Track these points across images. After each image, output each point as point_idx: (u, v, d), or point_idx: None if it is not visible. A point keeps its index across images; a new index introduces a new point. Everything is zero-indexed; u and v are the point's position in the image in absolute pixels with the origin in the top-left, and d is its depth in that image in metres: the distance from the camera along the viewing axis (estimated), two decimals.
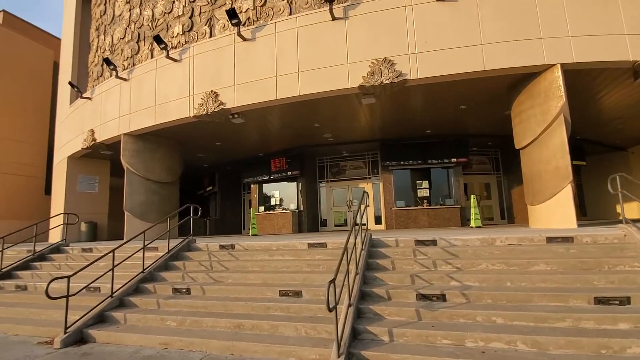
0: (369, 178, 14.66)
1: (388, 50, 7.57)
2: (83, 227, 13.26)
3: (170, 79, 9.77)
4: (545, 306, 4.01)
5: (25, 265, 7.57)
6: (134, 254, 6.18)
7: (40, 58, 18.45)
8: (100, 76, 12.85)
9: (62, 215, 10.28)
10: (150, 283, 5.78)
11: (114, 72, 10.79)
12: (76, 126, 12.90)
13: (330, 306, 3.35)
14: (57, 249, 8.37)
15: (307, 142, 13.15)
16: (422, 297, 4.28)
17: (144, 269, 5.94)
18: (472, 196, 10.60)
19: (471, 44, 7.36)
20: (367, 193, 6.63)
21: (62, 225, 13.34)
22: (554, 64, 7.25)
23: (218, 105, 8.77)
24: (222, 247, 6.71)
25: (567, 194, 7.31)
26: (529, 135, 8.03)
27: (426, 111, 10.12)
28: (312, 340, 3.90)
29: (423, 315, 3.96)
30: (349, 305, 4.06)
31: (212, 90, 8.92)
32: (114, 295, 5.32)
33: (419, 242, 5.57)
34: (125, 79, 10.81)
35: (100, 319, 5.00)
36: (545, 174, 7.71)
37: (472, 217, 10.38)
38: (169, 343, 4.27)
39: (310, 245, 6.13)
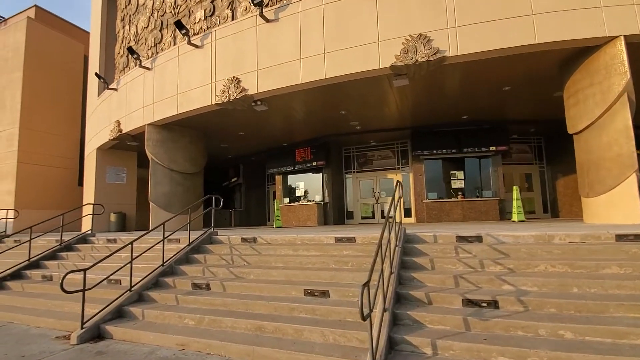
0: (398, 168, 13.92)
1: (424, 25, 6.82)
2: (112, 217, 13.48)
3: (192, 67, 9.49)
4: (623, 318, 3.30)
5: (52, 255, 7.60)
6: (154, 245, 5.94)
7: (71, 52, 18.90)
8: (126, 67, 12.84)
9: (89, 205, 10.34)
10: (170, 277, 5.52)
11: (137, 62, 10.66)
12: (104, 118, 13.02)
13: (364, 313, 2.84)
14: (83, 239, 8.37)
15: (332, 131, 12.59)
16: (469, 302, 3.68)
17: (163, 262, 5.68)
18: (514, 187, 9.67)
19: (520, 14, 6.48)
20: (400, 183, 5.99)
21: (93, 216, 13.72)
22: (617, 36, 6.26)
23: (240, 92, 8.38)
24: (244, 240, 6.35)
25: (631, 185, 6.35)
26: (586, 118, 7.05)
27: (463, 94, 9.25)
28: (341, 349, 3.42)
29: (472, 325, 3.37)
30: (384, 310, 3.53)
31: (234, 77, 8.54)
32: (132, 289, 5.08)
33: (461, 239, 4.92)
34: (148, 68, 10.67)
35: (119, 314, 4.77)
36: (605, 162, 6.75)
37: (515, 210, 9.47)
38: (186, 344, 3.94)
39: (338, 240, 5.63)
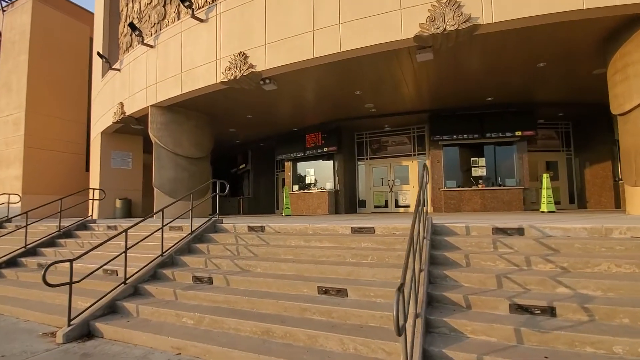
0: (414, 155, 13.17)
1: None
2: (117, 203, 13.14)
3: (197, 43, 8.84)
4: None
5: (50, 242, 7.20)
6: (154, 233, 5.44)
7: (77, 34, 18.40)
8: (130, 47, 12.23)
9: (90, 190, 9.90)
10: (169, 268, 5.02)
11: (140, 39, 10.06)
12: (107, 100, 12.53)
13: (400, 324, 2.24)
14: (83, 225, 7.97)
15: (345, 115, 11.87)
16: (518, 308, 3.05)
17: (163, 252, 5.18)
18: (544, 175, 8.88)
19: None
20: (427, 167, 5.32)
21: (94, 201, 13.42)
22: None
23: (247, 69, 7.72)
24: (250, 229, 5.81)
25: None
26: (637, 95, 6.21)
27: (492, 72, 8.40)
28: None
29: (526, 338, 2.75)
30: (416, 315, 2.94)
31: (240, 52, 7.87)
32: (127, 281, 4.59)
33: (499, 231, 4.26)
34: (151, 46, 10.06)
35: (111, 309, 4.29)
36: None
37: (545, 200, 8.71)
38: (182, 348, 3.42)
39: (355, 230, 5.03)
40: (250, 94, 9.06)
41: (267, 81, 8.14)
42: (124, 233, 4.76)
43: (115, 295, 4.38)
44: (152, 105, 9.99)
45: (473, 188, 11.32)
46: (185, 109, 10.39)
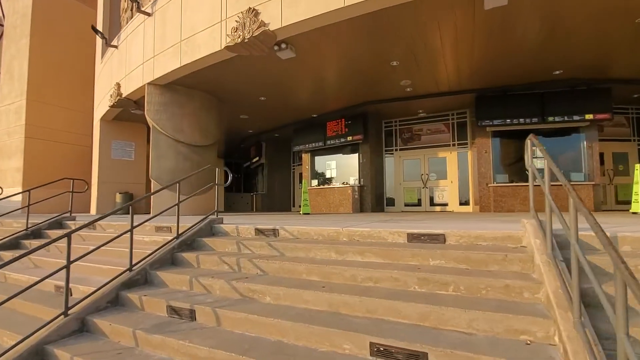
0: (453, 145, 11.28)
1: None
2: (118, 198, 11.84)
3: (198, 3, 7.29)
4: None
5: (13, 244, 5.82)
6: (122, 235, 3.86)
7: (81, 18, 17.22)
8: (130, 21, 10.86)
9: (67, 181, 8.42)
10: (138, 289, 3.44)
11: (135, 4, 8.61)
12: (106, 83, 11.23)
13: None
14: (58, 223, 6.57)
15: (374, 96, 10.10)
16: None
17: (132, 265, 3.61)
18: (637, 166, 6.90)
19: None
20: (542, 148, 3.55)
21: (100, 196, 12.21)
22: None
23: (258, 28, 6.09)
24: (259, 232, 4.19)
25: None
26: None
27: (569, 34, 6.48)
28: None
29: None
30: None
31: (249, 8, 6.24)
32: (71, 311, 3.03)
33: None
34: (148, 14, 8.58)
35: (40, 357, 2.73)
36: None
37: (638, 197, 6.74)
38: None
39: (413, 238, 3.32)
40: (262, 66, 7.46)
41: (283, 46, 6.49)
42: (125, 234, 3.20)
43: (48, 334, 2.82)
44: (149, 83, 8.54)
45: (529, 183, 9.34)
46: (187, 87, 8.90)
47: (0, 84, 16.55)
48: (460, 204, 11.03)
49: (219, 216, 4.92)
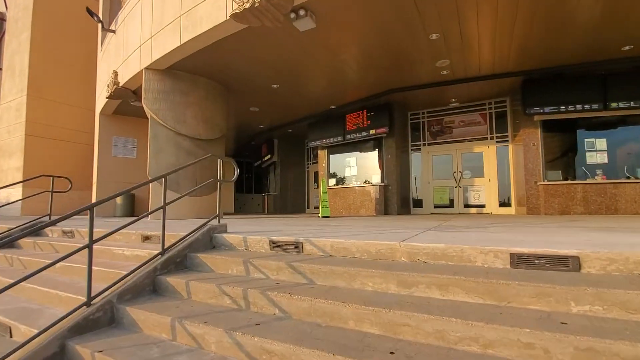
0: (491, 138, 9.91)
1: None
2: (118, 199, 10.85)
3: None
4: None
5: None
6: (70, 252, 2.73)
7: (85, 10, 16.45)
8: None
9: (45, 178, 7.39)
10: (93, 337, 2.28)
11: None
12: (104, 72, 10.27)
13: None
14: (34, 229, 5.45)
15: (400, 83, 8.83)
16: None
17: (90, 298, 2.46)
18: None
19: None
20: None
21: (95, 197, 11.27)
22: None
23: None
24: (275, 246, 3.01)
25: None
26: None
27: None
28: None
29: None
30: None
31: None
32: None
33: None
34: None
35: None
36: None
37: None
38: None
39: (521, 261, 2.08)
40: (276, 42, 6.31)
41: (302, 12, 5.32)
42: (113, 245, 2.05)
43: None
44: (146, 68, 7.48)
45: (588, 181, 7.96)
46: (190, 73, 7.82)
47: (2, 80, 15.90)
48: (500, 205, 9.66)
49: (221, 222, 3.75)
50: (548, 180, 8.21)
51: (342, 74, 8.15)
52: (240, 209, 21.18)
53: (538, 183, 8.31)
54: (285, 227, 4.39)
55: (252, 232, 3.55)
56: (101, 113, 10.93)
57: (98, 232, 4.54)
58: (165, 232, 3.67)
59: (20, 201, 13.75)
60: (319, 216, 8.35)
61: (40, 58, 14.82)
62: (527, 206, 8.48)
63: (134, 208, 11.00)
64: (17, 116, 14.69)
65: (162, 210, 3.18)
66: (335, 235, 3.18)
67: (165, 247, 3.04)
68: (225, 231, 3.62)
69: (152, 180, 3.18)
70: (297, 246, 2.92)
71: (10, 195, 13.79)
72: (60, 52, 15.36)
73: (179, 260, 3.05)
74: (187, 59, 7.06)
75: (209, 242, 3.41)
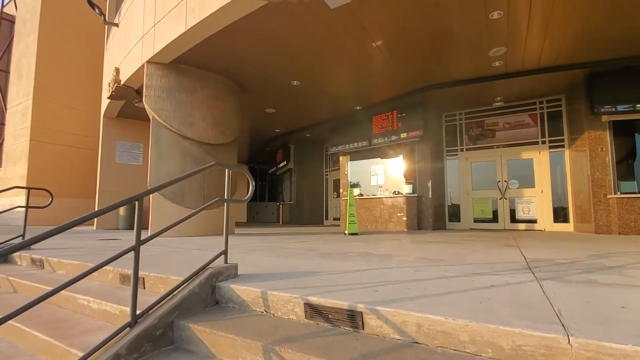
0: (543, 142, 8.56)
1: None
2: (121, 210, 9.91)
3: None
4: None
5: None
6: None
7: (93, 12, 15.84)
8: None
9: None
10: None
11: None
12: (108, 71, 9.40)
13: None
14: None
15: (440, 78, 7.59)
16: None
17: None
18: None
19: None
20: None
21: (27, 210, 10.33)
22: None
23: None
24: (314, 313, 1.83)
25: None
26: None
27: None
28: None
29: None
30: None
31: None
32: None
33: None
34: None
35: None
36: None
37: None
38: None
39: None
40: (299, 27, 5.22)
41: None
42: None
43: None
44: (148, 62, 6.49)
45: None
46: (197, 67, 6.79)
47: (10, 84, 15.38)
48: (556, 220, 8.26)
49: (230, 261, 2.59)
50: (622, 193, 6.81)
51: (373, 67, 6.97)
52: (254, 218, 20.15)
53: (608, 196, 6.91)
54: (315, 259, 3.21)
55: (273, 276, 2.39)
56: (105, 116, 10.06)
57: (72, 265, 3.48)
58: (150, 274, 2.56)
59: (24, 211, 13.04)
60: (344, 233, 7.14)
61: (47, 60, 14.21)
62: (594, 223, 7.07)
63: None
64: (22, 121, 14.07)
65: (179, 224, 2.02)
66: (391, 277, 2.00)
67: (138, 314, 1.89)
68: (235, 275, 2.46)
69: (147, 193, 2.03)
70: (354, 319, 1.73)
71: (14, 202, 13.09)
72: (68, 54, 14.74)
73: (160, 333, 1.90)
74: (194, 50, 6.03)
75: (211, 295, 2.25)
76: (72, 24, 14.98)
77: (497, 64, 6.63)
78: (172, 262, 3.16)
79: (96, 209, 10.00)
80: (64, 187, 14.23)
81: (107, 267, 2.95)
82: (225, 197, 2.52)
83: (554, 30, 5.52)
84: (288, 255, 3.71)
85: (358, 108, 9.45)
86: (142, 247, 2.01)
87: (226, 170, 2.54)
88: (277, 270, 2.73)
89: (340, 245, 4.83)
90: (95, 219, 10.02)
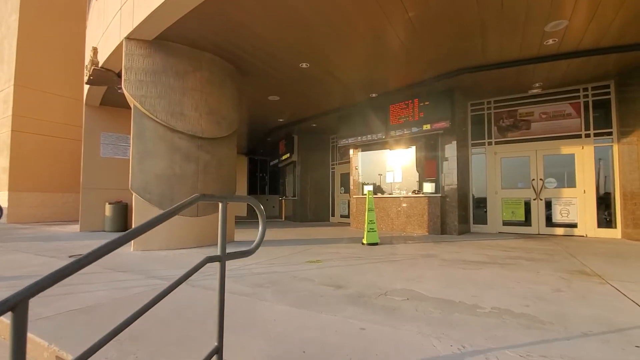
0: (587, 135, 7.47)
1: None
2: (108, 210, 8.87)
3: None
4: None
5: None
6: None
7: None
8: None
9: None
10: None
11: None
12: (87, 51, 8.22)
13: None
14: None
15: (474, 61, 6.44)
16: None
17: None
18: None
19: None
20: None
21: (89, 207, 9.24)
22: None
23: None
24: None
25: None
26: None
27: None
28: None
29: None
30: None
31: None
32: None
33: None
34: None
35: None
36: None
37: None
38: None
39: None
40: None
41: None
42: None
43: None
44: (128, 38, 5.35)
45: None
46: (188, 46, 5.66)
47: None
48: (600, 225, 7.25)
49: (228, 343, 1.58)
50: None
51: (395, 45, 5.82)
52: (254, 212, 19.14)
53: None
54: (349, 315, 2.19)
55: None
56: (86, 104, 8.93)
57: None
58: None
59: (7, 208, 12.03)
60: (362, 242, 6.12)
61: (29, 43, 12.97)
62: None
63: (127, 220, 9.00)
64: (4, 110, 12.91)
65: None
66: None
67: None
68: None
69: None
70: None
71: None
72: (51, 36, 13.46)
73: None
74: (183, 23, 4.89)
75: None
76: (57, 2, 13.67)
77: (551, 41, 5.48)
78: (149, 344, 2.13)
79: (80, 207, 8.97)
80: (52, 180, 13.21)
81: (42, 340, 1.93)
82: (219, 251, 1.46)
83: None
84: (306, 299, 2.67)
85: (373, 95, 8.30)
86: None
87: (220, 204, 1.47)
88: (301, 350, 1.70)
89: (368, 269, 3.80)
90: (80, 220, 9.02)
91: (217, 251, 1.47)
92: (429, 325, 2.12)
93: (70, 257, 4.81)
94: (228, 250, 1.49)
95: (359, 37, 5.46)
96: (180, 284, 1.30)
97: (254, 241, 1.68)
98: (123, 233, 1.05)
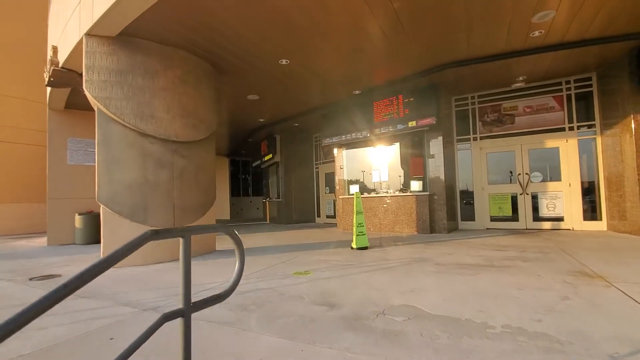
0: (570, 128, 7.47)
1: None
2: (77, 221, 8.27)
3: None
4: None
5: None
6: None
7: None
8: None
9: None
10: None
11: None
12: (49, 51, 7.57)
13: None
14: None
15: (459, 54, 6.26)
16: None
17: None
18: None
19: None
20: None
21: (58, 218, 8.56)
22: None
23: None
24: None
25: None
26: None
27: None
28: None
29: None
30: None
31: None
32: None
33: None
34: None
35: None
36: None
37: None
38: None
39: None
40: None
41: None
42: None
43: None
44: (88, 35, 4.86)
45: None
46: (157, 43, 5.21)
47: None
48: (585, 218, 7.27)
49: None
50: None
51: (379, 38, 5.56)
52: (238, 214, 18.65)
53: None
54: (346, 347, 1.91)
55: None
56: (50, 107, 8.28)
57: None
58: None
59: None
60: (352, 247, 5.85)
61: None
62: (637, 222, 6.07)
63: (99, 232, 8.39)
64: None
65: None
66: None
67: None
68: None
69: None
70: None
71: None
72: (14, 35, 12.53)
73: None
74: (151, 18, 4.46)
75: None
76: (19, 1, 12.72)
77: (537, 33, 5.34)
78: None
79: (47, 219, 8.33)
80: (16, 190, 12.32)
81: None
82: (182, 302, 1.13)
83: None
84: (296, 326, 2.36)
85: (357, 92, 8.04)
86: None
87: (181, 239, 1.14)
88: None
89: (361, 281, 3.53)
90: (48, 233, 8.37)
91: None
92: (437, 353, 1.86)
93: (30, 279, 4.32)
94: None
95: (341, 30, 5.17)
96: (133, 352, 0.97)
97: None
98: (88, 265, 0.71)
